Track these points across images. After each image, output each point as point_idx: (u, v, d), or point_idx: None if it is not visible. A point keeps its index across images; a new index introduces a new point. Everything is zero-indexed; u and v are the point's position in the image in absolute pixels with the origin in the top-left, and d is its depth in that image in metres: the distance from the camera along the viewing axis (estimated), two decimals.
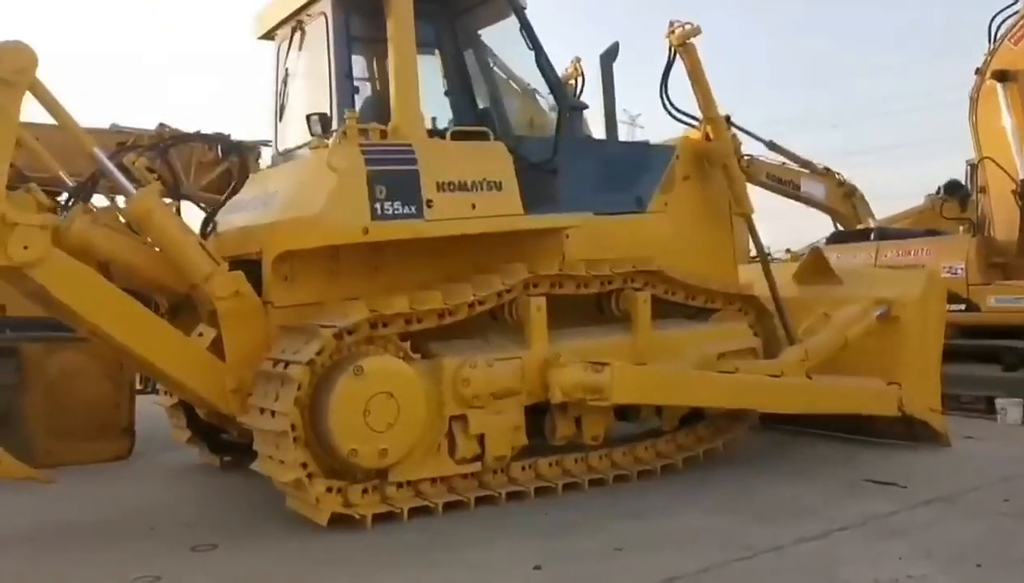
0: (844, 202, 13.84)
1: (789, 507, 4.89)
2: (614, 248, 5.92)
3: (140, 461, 6.36)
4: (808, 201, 13.85)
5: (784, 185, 13.61)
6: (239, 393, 4.59)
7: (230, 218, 5.35)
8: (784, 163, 13.66)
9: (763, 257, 7.09)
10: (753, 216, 6.90)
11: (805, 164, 13.63)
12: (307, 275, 4.85)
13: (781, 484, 5.42)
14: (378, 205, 4.66)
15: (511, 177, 5.19)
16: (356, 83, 5.46)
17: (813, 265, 7.24)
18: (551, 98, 5.64)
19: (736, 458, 6.03)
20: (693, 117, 6.85)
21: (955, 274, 8.85)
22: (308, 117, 4.88)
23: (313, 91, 5.37)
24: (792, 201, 13.61)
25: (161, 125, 6.00)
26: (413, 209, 4.79)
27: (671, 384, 5.35)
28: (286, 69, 5.69)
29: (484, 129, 5.30)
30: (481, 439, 4.89)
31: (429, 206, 4.86)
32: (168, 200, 4.95)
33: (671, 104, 6.78)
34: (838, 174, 13.84)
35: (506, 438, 4.95)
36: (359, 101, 5.56)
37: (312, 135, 4.90)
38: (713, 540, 4.27)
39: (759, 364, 5.90)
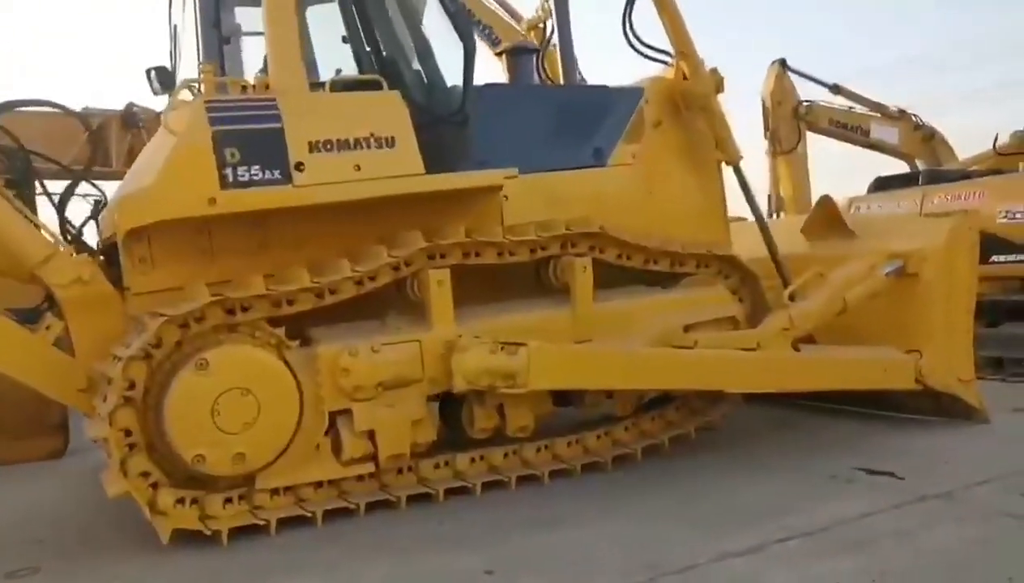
0: (922, 146, 12.59)
1: (745, 510, 4.04)
2: (570, 209, 5.14)
3: (71, 460, 6.01)
4: (880, 148, 12.65)
5: (851, 132, 12.45)
6: (91, 393, 4.08)
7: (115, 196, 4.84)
8: (851, 108, 12.51)
9: (756, 210, 6.11)
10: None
11: (876, 107, 12.44)
12: (170, 256, 4.27)
13: (751, 479, 4.55)
14: (229, 170, 4.02)
15: (407, 132, 4.46)
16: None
17: (823, 216, 6.23)
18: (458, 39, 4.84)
19: (711, 445, 5.17)
20: (665, 52, 5.94)
21: (1013, 219, 7.57)
22: (147, 72, 4.29)
23: (191, 48, 4.77)
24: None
25: None
26: (278, 174, 4.14)
27: (606, 365, 4.53)
28: (174, 26, 5.11)
29: (375, 78, 4.57)
30: (373, 436, 4.24)
31: (299, 169, 4.19)
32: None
33: (637, 39, 5.88)
34: (915, 116, 12.62)
35: (402, 434, 4.27)
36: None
37: (153, 93, 4.31)
38: (616, 558, 3.50)
39: (729, 336, 5.00)
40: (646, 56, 5.90)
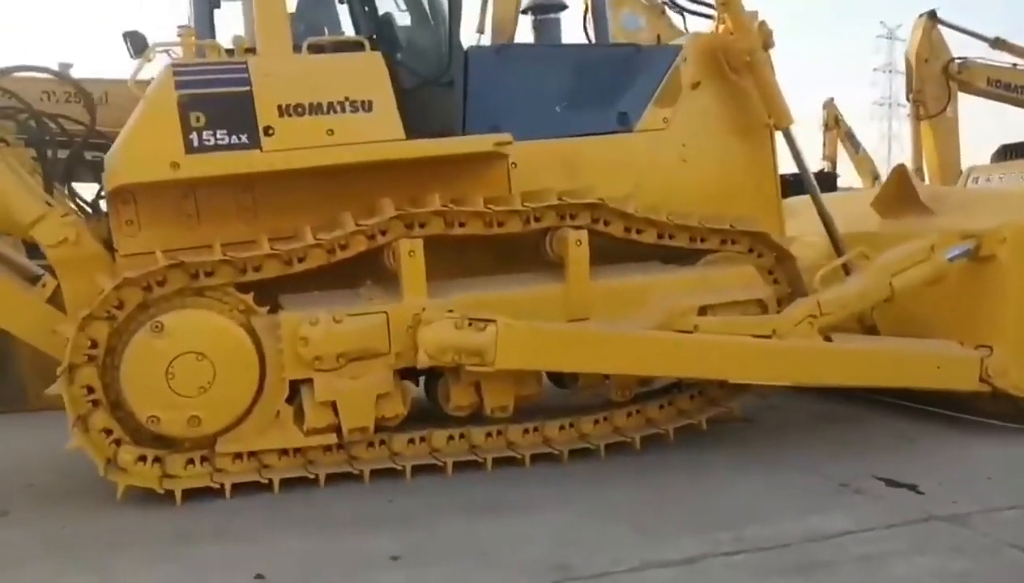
0: None
1: (714, 513, 3.66)
2: (589, 178, 4.83)
3: None
4: None
5: (1015, 92, 11.11)
6: None
7: None
8: (1016, 65, 11.18)
9: (808, 179, 5.50)
10: None
11: None
12: (155, 220, 4.34)
13: (746, 479, 4.13)
14: (194, 135, 4.02)
15: (386, 95, 4.29)
16: None
17: (896, 189, 5.54)
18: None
19: (727, 438, 4.74)
20: (708, 6, 5.44)
21: None
22: (123, 36, 4.35)
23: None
24: None
25: None
26: (245, 138, 4.09)
27: (585, 347, 4.21)
28: None
29: (358, 39, 4.43)
30: (335, 407, 4.17)
31: (268, 134, 4.13)
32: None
33: None
34: None
35: (366, 407, 4.16)
36: None
37: (130, 58, 4.37)
38: (534, 554, 3.25)
39: (740, 322, 4.51)
40: (686, 10, 5.43)
